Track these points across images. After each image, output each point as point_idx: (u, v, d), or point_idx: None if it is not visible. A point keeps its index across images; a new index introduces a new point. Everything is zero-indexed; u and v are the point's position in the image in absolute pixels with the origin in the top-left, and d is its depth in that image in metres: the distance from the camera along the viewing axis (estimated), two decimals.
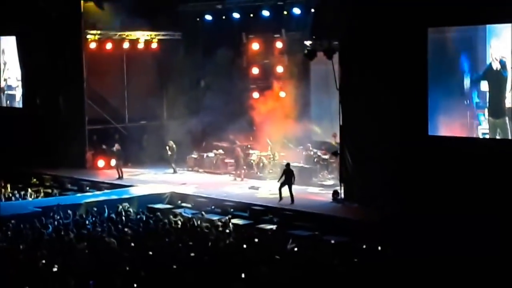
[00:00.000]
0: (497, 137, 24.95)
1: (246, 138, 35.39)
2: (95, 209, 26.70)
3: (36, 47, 38.01)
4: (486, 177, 24.37)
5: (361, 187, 27.91)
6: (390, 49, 26.38)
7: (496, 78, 24.57)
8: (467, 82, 25.32)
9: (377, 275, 17.16)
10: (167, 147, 35.42)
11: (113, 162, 35.61)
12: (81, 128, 36.86)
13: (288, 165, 29.32)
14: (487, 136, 25.15)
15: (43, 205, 27.74)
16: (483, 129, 25.24)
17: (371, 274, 17.27)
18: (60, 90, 37.50)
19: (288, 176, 28.80)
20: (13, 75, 40.38)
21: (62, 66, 37.09)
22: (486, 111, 25.00)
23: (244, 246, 20.63)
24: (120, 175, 34.34)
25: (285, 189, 28.60)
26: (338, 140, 29.50)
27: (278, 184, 28.80)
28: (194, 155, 36.03)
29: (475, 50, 25.11)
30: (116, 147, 35.22)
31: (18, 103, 40.20)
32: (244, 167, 33.63)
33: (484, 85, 24.95)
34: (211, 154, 35.61)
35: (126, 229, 22.86)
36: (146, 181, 33.31)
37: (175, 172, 35.25)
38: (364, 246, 20.74)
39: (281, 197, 28.52)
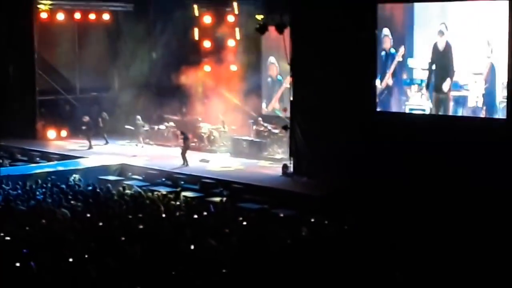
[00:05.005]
0: (440, 113, 25.50)
1: (198, 111, 35.43)
2: (45, 180, 26.66)
3: None
4: (431, 152, 24.76)
5: (310, 161, 28.16)
6: (340, 24, 26.52)
7: (441, 57, 24.98)
8: (395, 60, 26.02)
9: (324, 249, 17.43)
10: (100, 119, 35.62)
11: (64, 133, 36.45)
12: (31, 99, 36.71)
13: (182, 132, 31.63)
14: (416, 112, 25.89)
15: None
16: (410, 105, 25.97)
17: (319, 248, 17.53)
18: (10, 60, 37.19)
19: (185, 142, 30.95)
20: None
21: (12, 35, 36.75)
22: (424, 87, 25.53)
23: (195, 217, 20.81)
24: (90, 145, 34.71)
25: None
26: (288, 114, 29.71)
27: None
28: (145, 128, 36.03)
29: (397, 29, 25.80)
30: (87, 118, 35.28)
31: None
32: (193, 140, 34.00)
33: (413, 62, 25.60)
34: (162, 127, 35.67)
35: (76, 201, 22.88)
36: (97, 153, 33.33)
37: (107, 143, 35.51)
38: (312, 220, 21.04)
39: (185, 163, 30.49)
